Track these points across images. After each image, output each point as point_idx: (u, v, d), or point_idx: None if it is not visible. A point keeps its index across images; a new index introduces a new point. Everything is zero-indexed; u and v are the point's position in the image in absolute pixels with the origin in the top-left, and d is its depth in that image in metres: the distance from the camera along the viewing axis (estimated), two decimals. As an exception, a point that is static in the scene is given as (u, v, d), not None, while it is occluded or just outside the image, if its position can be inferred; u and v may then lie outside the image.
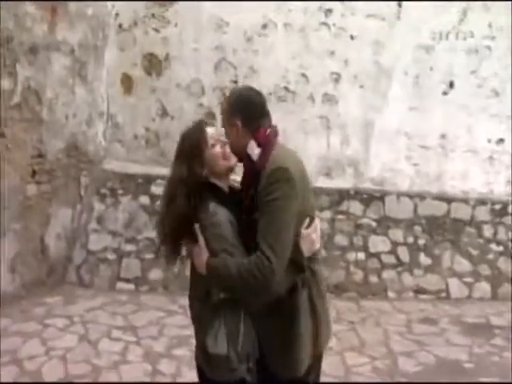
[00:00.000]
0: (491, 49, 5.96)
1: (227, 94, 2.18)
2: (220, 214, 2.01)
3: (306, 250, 2.01)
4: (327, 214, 5.85)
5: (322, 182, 5.92)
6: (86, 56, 5.53)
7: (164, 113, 5.87)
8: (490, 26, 5.94)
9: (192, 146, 2.10)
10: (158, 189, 5.68)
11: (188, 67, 5.81)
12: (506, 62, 6.01)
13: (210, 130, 2.16)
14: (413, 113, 6.02)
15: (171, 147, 5.84)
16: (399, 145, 6.09)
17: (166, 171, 5.91)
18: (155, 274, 5.52)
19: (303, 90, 5.93)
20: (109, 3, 5.72)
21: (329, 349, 3.73)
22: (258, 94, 2.14)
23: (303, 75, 5.91)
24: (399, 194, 6.03)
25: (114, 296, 5.26)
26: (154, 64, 5.84)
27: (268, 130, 2.10)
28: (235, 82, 5.79)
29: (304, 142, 5.92)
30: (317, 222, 2.10)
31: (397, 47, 5.93)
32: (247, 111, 2.09)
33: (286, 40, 5.83)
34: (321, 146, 6.00)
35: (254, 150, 2.06)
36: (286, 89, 5.91)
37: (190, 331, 2.27)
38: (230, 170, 2.19)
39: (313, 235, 2.04)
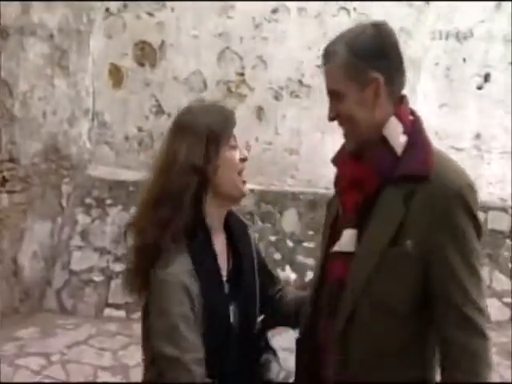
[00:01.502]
0: (532, 36, 5.31)
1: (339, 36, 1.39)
2: (176, 272, 1.33)
3: None
4: (348, 226, 5.13)
5: (340, 190, 5.20)
6: (67, 43, 4.76)
7: (159, 110, 5.13)
8: (530, 10, 5.30)
9: (215, 127, 1.41)
10: (152, 198, 4.95)
11: (187, 57, 5.08)
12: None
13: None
14: (444, 110, 5.33)
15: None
16: (428, 146, 5.40)
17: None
18: (150, 299, 4.74)
19: (319, 84, 5.10)
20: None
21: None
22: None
23: (320, 67, 5.18)
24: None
25: (102, 325, 4.47)
26: (147, 53, 5.10)
27: (414, 114, 1.37)
28: (242, 74, 5.08)
29: (321, 142, 5.20)
30: None
31: (425, 36, 5.23)
32: (392, 58, 1.32)
33: (299, 27, 5.12)
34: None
35: (399, 137, 1.31)
36: (300, 82, 5.19)
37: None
38: (239, 199, 1.51)
39: None
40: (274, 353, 1.51)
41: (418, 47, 5.24)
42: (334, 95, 1.36)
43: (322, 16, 5.15)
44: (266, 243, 4.90)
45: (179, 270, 1.33)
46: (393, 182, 1.29)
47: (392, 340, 1.30)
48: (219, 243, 1.46)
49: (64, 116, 4.85)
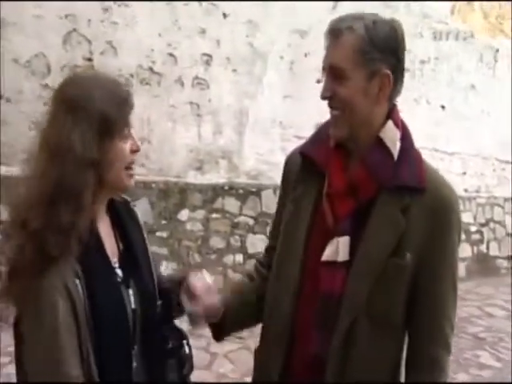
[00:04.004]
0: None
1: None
2: (55, 274, 1.16)
3: None
4: (200, 214, 5.27)
5: (193, 178, 5.30)
6: None
7: (-3, 94, 4.71)
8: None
9: (110, 113, 1.25)
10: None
11: (29, 38, 4.70)
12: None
13: None
14: (287, 101, 5.67)
15: (6, 140, 4.79)
16: (274, 135, 5.71)
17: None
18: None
19: (170, 72, 5.20)
20: None
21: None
22: None
23: (171, 55, 5.19)
24: (276, 188, 5.66)
25: None
26: (-19, 31, 4.64)
27: (402, 123, 1.32)
28: (90, 59, 4.86)
29: (172, 131, 5.23)
30: None
31: (272, 30, 5.49)
32: (401, 59, 1.24)
33: (150, 13, 5.03)
34: (191, 135, 5.36)
35: (396, 142, 1.26)
36: (151, 70, 5.13)
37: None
38: (122, 192, 1.44)
39: None
40: (182, 337, 1.47)
41: (264, 40, 5.50)
42: (336, 73, 1.23)
43: (172, 3, 5.13)
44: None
45: (60, 270, 1.18)
46: (388, 190, 1.25)
47: (389, 352, 1.31)
48: (104, 228, 1.35)
49: None
